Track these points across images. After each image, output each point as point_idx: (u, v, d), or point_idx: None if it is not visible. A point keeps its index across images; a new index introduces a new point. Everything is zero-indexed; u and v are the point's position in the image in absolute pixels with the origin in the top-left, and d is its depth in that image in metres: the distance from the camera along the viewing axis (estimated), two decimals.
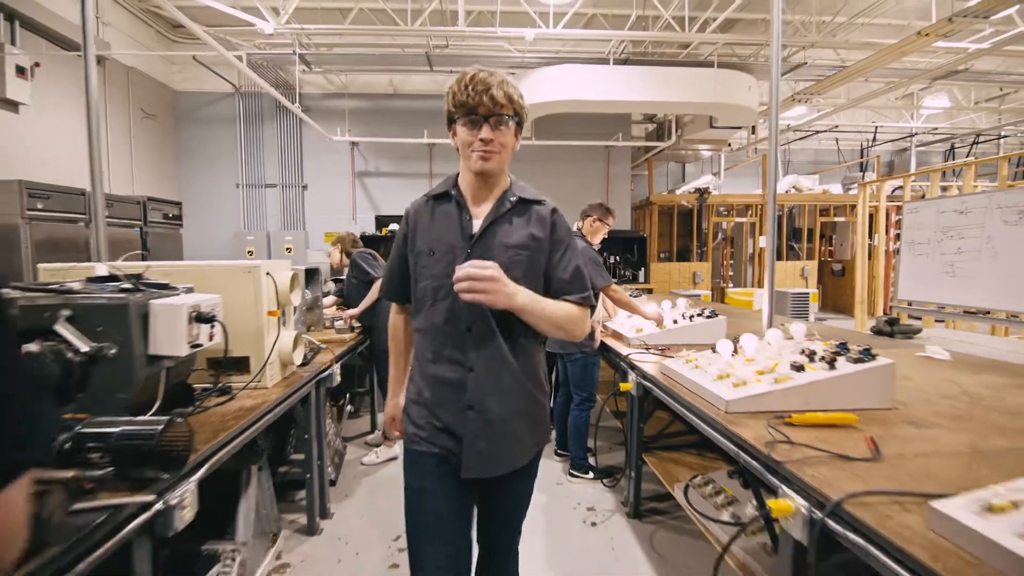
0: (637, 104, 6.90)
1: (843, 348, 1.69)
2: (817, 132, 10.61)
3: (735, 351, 1.87)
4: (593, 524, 2.43)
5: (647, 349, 2.56)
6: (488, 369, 1.17)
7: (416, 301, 1.24)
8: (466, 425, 1.16)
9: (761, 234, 9.46)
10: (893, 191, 8.85)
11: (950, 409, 1.62)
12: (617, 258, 8.29)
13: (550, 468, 3.05)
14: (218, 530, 1.77)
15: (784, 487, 1.17)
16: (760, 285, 9.28)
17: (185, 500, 1.13)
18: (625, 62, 6.81)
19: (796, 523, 1.11)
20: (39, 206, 4.04)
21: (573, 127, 7.82)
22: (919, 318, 5.80)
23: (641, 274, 8.29)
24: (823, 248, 10.97)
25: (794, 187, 10.07)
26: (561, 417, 3.09)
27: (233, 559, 1.63)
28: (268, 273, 1.84)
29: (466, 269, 1.05)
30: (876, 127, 10.45)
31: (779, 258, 9.81)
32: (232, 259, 6.33)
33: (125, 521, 1.05)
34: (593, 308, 1.26)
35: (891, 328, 3.03)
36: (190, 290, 1.50)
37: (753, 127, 9.00)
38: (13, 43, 4.87)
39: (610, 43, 6.85)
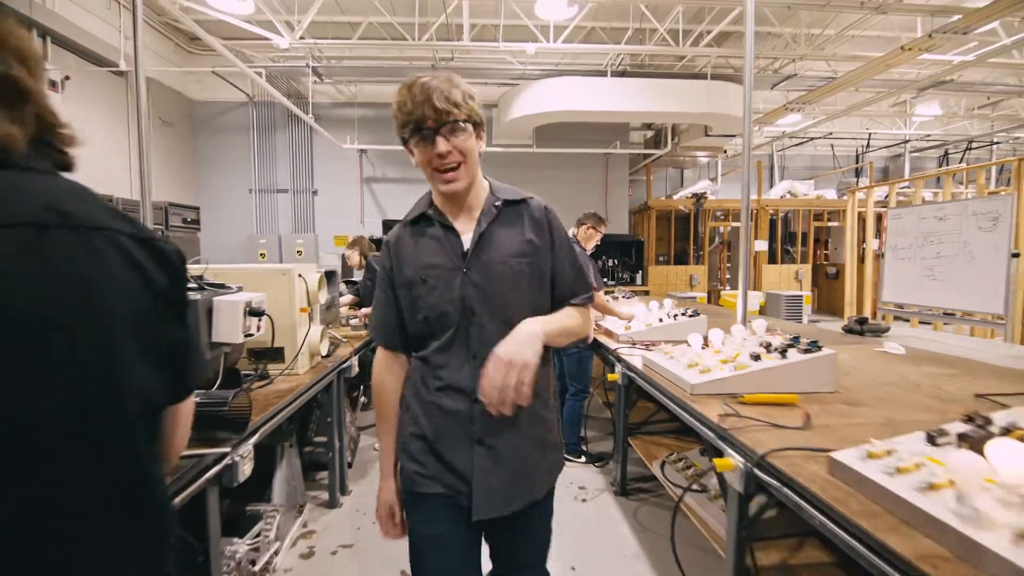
0: (634, 114, 7.19)
1: (795, 341, 1.96)
2: (812, 139, 10.89)
3: (705, 344, 2.14)
4: (583, 500, 2.71)
5: (633, 344, 2.84)
6: None
7: (414, 336, 1.15)
8: (475, 462, 1.06)
9: (757, 238, 9.73)
10: (886, 196, 9.10)
11: (885, 393, 1.89)
12: (615, 261, 8.56)
13: None
14: (257, 497, 2.05)
15: (729, 449, 1.45)
16: (754, 288, 9.53)
17: (247, 456, 1.41)
18: (623, 74, 7.10)
19: (735, 476, 1.39)
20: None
21: (573, 135, 8.11)
22: (907, 319, 6.06)
23: (639, 277, 8.56)
24: (819, 252, 11.24)
25: (789, 192, 10.31)
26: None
27: (273, 518, 1.91)
28: (300, 275, 2.13)
29: (492, 383, 0.95)
30: (870, 134, 10.71)
31: (773, 261, 10.07)
32: (245, 262, 6.64)
33: (202, 471, 1.33)
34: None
35: (861, 327, 3.29)
36: (240, 289, 1.79)
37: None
38: (45, 58, 5.19)
39: (608, 56, 7.14)
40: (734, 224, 10.22)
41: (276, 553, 1.93)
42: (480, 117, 1.08)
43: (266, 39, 5.76)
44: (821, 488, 1.12)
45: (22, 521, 0.52)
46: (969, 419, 1.16)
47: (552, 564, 1.29)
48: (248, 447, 1.45)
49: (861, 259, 7.74)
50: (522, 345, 0.98)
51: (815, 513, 1.11)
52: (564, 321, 1.12)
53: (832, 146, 11.44)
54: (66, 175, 0.65)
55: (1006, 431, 1.05)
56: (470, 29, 6.23)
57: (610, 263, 8.50)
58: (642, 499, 2.71)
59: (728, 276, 10.72)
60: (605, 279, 8.13)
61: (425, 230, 1.13)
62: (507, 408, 0.96)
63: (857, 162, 11.41)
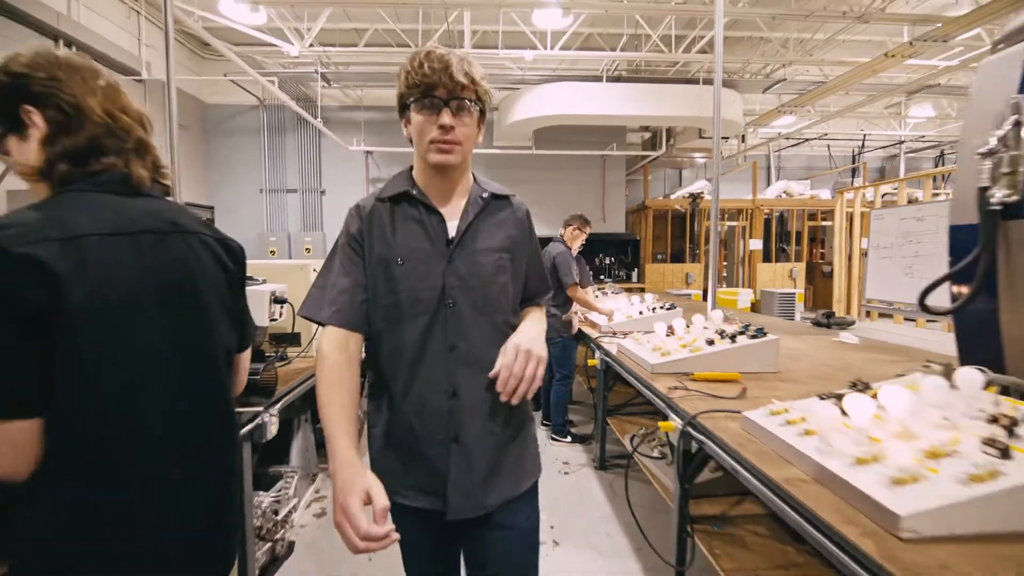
0: (630, 118, 7.45)
1: (745, 328, 2.25)
2: (808, 140, 11.11)
3: (670, 332, 2.43)
4: (566, 474, 3.01)
5: (614, 334, 3.13)
6: (474, 393, 1.02)
7: (380, 320, 1.04)
8: (451, 459, 1.02)
9: (751, 237, 9.97)
10: (884, 196, 9.30)
11: (821, 373, 2.17)
12: (611, 259, 8.83)
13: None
14: (278, 461, 2.37)
15: (671, 414, 1.74)
16: (749, 285, 9.77)
17: (274, 417, 1.72)
18: (618, 79, 7.37)
19: (675, 435, 1.68)
20: None
21: (571, 137, 8.38)
22: (890, 315, 6.31)
23: (635, 274, 8.82)
24: (815, 251, 11.46)
25: (785, 192, 10.53)
26: (545, 392, 3.66)
27: (292, 477, 2.22)
28: (314, 270, 2.44)
29: (512, 371, 0.96)
30: (864, 135, 10.92)
31: (768, 260, 10.31)
32: (256, 258, 6.96)
33: (239, 427, 1.64)
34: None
35: (828, 320, 3.56)
36: (264, 281, 2.10)
37: (743, 136, 9.53)
38: None
39: (603, 62, 7.40)
40: (729, 223, 10.46)
41: (294, 509, 2.24)
42: (486, 104, 1.05)
43: (277, 47, 6.07)
44: (731, 438, 1.41)
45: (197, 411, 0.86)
46: (854, 385, 1.44)
47: None
48: (275, 410, 1.75)
49: (850, 257, 7.97)
50: (536, 341, 1.00)
51: (726, 457, 1.40)
52: (543, 324, 1.17)
53: (828, 147, 11.65)
54: (168, 198, 0.95)
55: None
56: (471, 36, 6.51)
57: (607, 261, 8.77)
58: (619, 472, 3.01)
59: (725, 274, 10.97)
60: (601, 276, 8.40)
61: (406, 209, 1.06)
62: (517, 397, 0.97)
63: (854, 162, 11.61)
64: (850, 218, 7.63)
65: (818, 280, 11.33)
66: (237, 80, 7.76)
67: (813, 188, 10.74)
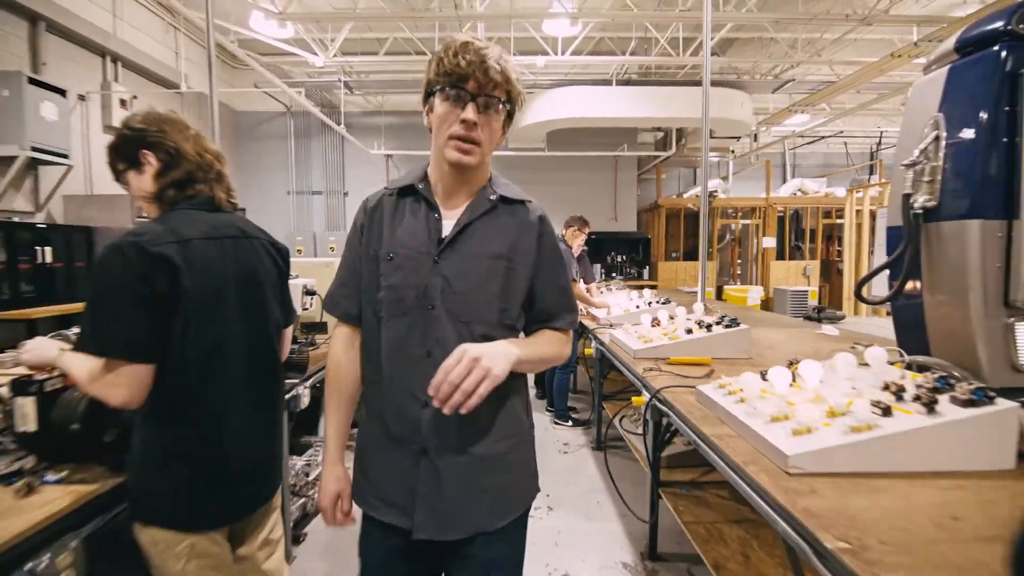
0: (640, 120, 7.66)
1: (721, 319, 2.50)
2: (823, 137, 11.10)
3: (655, 323, 2.69)
4: (565, 453, 3.30)
5: (611, 326, 3.40)
6: None
7: (371, 316, 1.02)
8: (418, 475, 0.96)
9: (765, 235, 10.05)
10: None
11: (790, 357, 2.40)
12: (623, 257, 9.04)
13: (540, 420, 3.93)
14: (308, 433, 2.72)
15: (643, 390, 2.02)
16: (761, 283, 9.85)
17: (307, 390, 2.05)
18: (628, 82, 7.58)
19: (644, 408, 1.96)
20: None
21: (583, 138, 8.63)
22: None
23: (646, 272, 9.02)
24: (831, 248, 11.44)
25: (799, 190, 10.56)
26: (548, 380, 3.95)
27: (320, 445, 2.56)
28: None
29: (449, 376, 0.84)
30: (881, 132, 10.87)
31: (782, 258, 10.37)
32: None
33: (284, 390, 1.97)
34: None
35: (818, 315, 3.76)
36: (297, 276, 2.44)
37: (755, 135, 9.63)
38: (116, 80, 6.02)
39: (613, 66, 7.62)
40: (743, 222, 10.56)
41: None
42: (516, 105, 0.99)
43: (303, 58, 6.47)
44: (684, 408, 1.68)
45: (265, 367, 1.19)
46: (790, 363, 1.70)
47: None
48: (307, 384, 2.09)
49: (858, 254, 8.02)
50: (495, 357, 0.89)
51: (678, 421, 1.68)
52: (542, 349, 1.04)
53: (845, 144, 11.61)
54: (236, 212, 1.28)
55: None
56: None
57: (619, 259, 9.00)
58: (614, 453, 3.28)
59: (739, 272, 11.06)
60: (613, 274, 8.63)
61: (410, 204, 1.03)
62: (450, 408, 0.85)
63: (872, 159, 11.55)
64: (861, 215, 7.71)
65: (833, 277, 11.33)
66: (264, 88, 8.22)
67: (830, 186, 10.73)
